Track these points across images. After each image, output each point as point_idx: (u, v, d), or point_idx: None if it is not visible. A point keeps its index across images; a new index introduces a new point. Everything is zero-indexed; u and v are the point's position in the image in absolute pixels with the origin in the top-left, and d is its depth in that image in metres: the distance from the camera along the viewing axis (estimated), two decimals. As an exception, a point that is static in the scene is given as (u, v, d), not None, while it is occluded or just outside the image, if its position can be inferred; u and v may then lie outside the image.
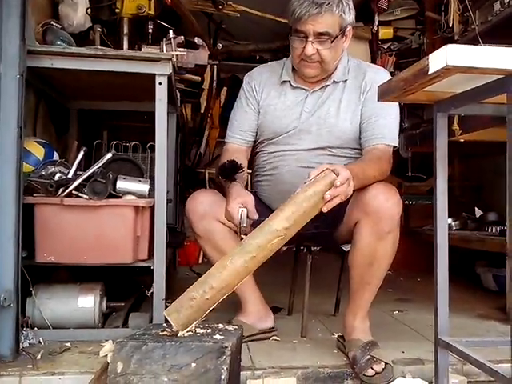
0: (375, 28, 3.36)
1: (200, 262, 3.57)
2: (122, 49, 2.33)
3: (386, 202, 1.47)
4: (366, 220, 1.49)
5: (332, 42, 1.59)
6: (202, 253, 3.54)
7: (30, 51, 1.60)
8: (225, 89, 4.39)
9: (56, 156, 1.98)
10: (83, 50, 1.68)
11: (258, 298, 1.78)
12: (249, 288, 1.74)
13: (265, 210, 1.76)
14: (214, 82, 4.36)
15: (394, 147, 1.69)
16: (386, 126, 1.66)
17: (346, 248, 1.70)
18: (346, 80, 1.72)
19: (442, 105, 1.32)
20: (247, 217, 1.42)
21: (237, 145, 1.79)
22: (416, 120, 3.14)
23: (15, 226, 1.49)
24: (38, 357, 1.50)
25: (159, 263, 1.69)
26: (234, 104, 1.84)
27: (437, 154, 1.33)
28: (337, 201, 1.31)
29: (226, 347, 1.13)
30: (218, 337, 1.19)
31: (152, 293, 1.70)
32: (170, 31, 2.07)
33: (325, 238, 1.75)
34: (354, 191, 1.40)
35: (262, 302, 1.80)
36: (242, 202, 1.42)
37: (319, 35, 1.58)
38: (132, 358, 1.11)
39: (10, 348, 1.48)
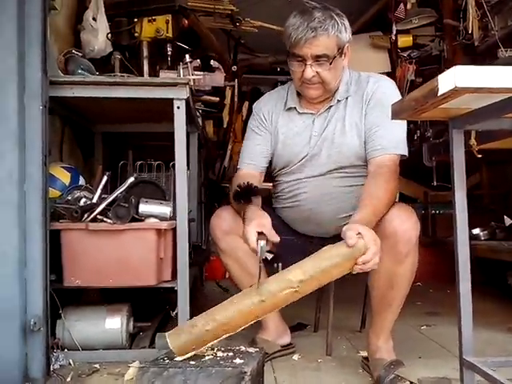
0: (393, 37, 3.33)
1: (227, 276, 3.60)
2: (143, 71, 2.40)
3: (401, 226, 1.45)
4: (383, 244, 1.46)
5: (331, 63, 1.58)
6: (228, 268, 3.57)
7: (51, 82, 1.66)
8: (246, 103, 4.44)
9: (82, 180, 2.04)
10: (102, 78, 1.74)
11: (277, 314, 1.79)
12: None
13: (287, 229, 1.78)
14: (236, 97, 4.41)
15: (401, 156, 1.62)
16: (387, 136, 1.60)
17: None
18: (348, 97, 1.69)
19: (457, 121, 1.30)
20: (267, 242, 1.37)
21: (249, 170, 1.76)
22: (439, 128, 3.10)
23: (42, 252, 1.54)
24: (68, 379, 1.54)
25: (182, 284, 1.72)
26: (245, 135, 1.83)
27: (454, 170, 1.32)
28: (365, 269, 1.27)
29: (246, 372, 1.13)
30: (238, 361, 1.20)
31: (177, 313, 1.72)
32: (187, 55, 2.12)
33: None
34: None
35: (280, 318, 1.82)
36: (258, 225, 1.39)
37: (317, 58, 1.57)
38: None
39: (41, 371, 1.52)
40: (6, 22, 1.49)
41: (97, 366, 1.65)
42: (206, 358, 1.24)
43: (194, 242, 2.47)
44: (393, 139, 1.60)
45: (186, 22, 2.55)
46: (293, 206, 1.76)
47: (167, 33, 2.43)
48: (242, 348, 1.33)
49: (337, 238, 1.70)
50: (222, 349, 1.31)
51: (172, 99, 1.73)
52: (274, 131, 1.76)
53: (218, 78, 1.96)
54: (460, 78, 0.96)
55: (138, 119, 2.38)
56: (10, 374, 1.47)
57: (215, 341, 1.21)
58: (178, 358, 1.19)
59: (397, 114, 1.32)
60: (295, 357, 1.76)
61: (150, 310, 2.10)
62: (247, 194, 1.50)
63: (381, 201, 1.45)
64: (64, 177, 1.97)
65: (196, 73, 1.96)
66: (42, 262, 1.54)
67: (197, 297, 2.80)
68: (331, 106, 1.69)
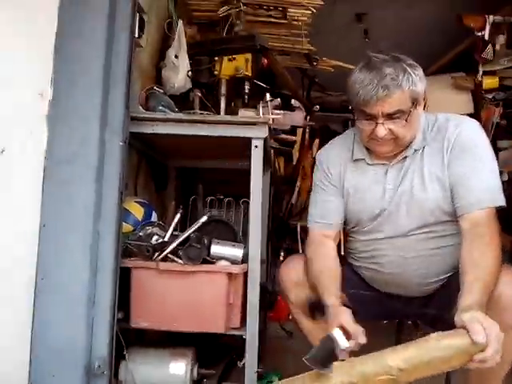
0: (479, 78, 3.16)
1: (291, 318, 3.45)
2: (219, 109, 2.40)
3: (509, 291, 1.28)
4: (486, 311, 1.26)
5: (406, 119, 1.40)
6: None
7: (132, 118, 1.66)
8: (317, 140, 4.37)
9: (154, 216, 2.02)
10: (183, 116, 1.72)
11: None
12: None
13: (364, 283, 1.64)
14: (307, 134, 4.36)
15: (499, 206, 1.40)
16: (480, 186, 1.40)
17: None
18: (424, 146, 1.49)
19: None
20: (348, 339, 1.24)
21: (324, 230, 1.59)
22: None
23: (112, 291, 1.50)
24: (129, 427, 1.46)
25: (252, 333, 1.62)
26: (312, 188, 1.67)
27: None
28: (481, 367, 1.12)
29: None
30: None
31: (244, 364, 1.62)
32: (267, 94, 2.07)
33: (432, 320, 1.57)
34: None
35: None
36: (338, 325, 1.27)
37: (390, 115, 1.40)
38: None
39: (101, 417, 1.45)
40: (94, 60, 1.51)
41: (159, 414, 1.57)
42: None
43: (261, 284, 2.37)
44: (488, 189, 1.40)
45: (266, 61, 2.53)
46: (371, 268, 1.59)
47: (246, 71, 2.42)
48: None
49: (424, 298, 1.55)
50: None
51: (250, 138, 1.68)
52: (341, 185, 1.58)
53: (298, 118, 1.90)
54: None
55: (213, 156, 2.36)
56: (72, 418, 1.41)
57: None
58: None
59: (505, 164, 1.18)
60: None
61: (214, 354, 2.00)
62: (318, 309, 1.37)
63: (490, 274, 1.25)
64: (138, 212, 1.95)
65: (276, 112, 1.91)
66: (110, 301, 1.50)
67: (260, 338, 2.68)
68: (406, 157, 1.50)
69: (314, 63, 3.45)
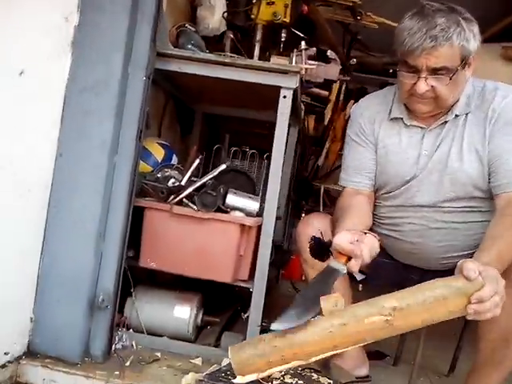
0: (535, 49, 2.95)
1: (304, 278, 3.44)
2: (253, 55, 2.30)
3: None
4: (507, 288, 1.22)
5: (451, 77, 1.29)
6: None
7: (159, 54, 1.59)
8: (352, 102, 4.22)
9: (175, 159, 1.98)
10: (211, 56, 1.64)
11: None
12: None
13: (383, 252, 1.57)
14: (342, 94, 4.21)
15: None
16: None
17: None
18: (468, 112, 1.39)
19: None
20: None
21: (358, 189, 1.51)
22: None
23: (123, 228, 1.49)
24: (127, 363, 1.48)
25: (259, 287, 1.60)
26: (345, 145, 1.58)
27: None
28: (481, 311, 1.02)
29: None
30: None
31: (247, 316, 1.60)
32: (302, 42, 1.96)
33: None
34: None
35: (361, 347, 1.61)
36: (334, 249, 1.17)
37: (434, 71, 1.29)
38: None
39: (101, 350, 1.47)
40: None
41: (158, 354, 1.58)
42: (274, 381, 1.10)
43: (277, 241, 2.34)
44: None
45: (306, 8, 2.40)
46: (392, 236, 1.52)
47: (284, 17, 2.29)
48: (314, 376, 1.19)
49: (441, 272, 1.49)
50: (292, 372, 1.17)
51: (280, 87, 1.59)
52: (375, 140, 1.50)
53: (333, 71, 1.78)
54: None
55: (241, 104, 2.28)
56: (72, 347, 1.43)
57: (282, 367, 1.03)
58: (237, 380, 1.04)
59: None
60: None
61: (221, 303, 2.00)
62: (322, 250, 1.29)
63: (508, 245, 1.18)
64: (158, 153, 1.92)
65: (310, 62, 1.80)
66: (121, 237, 1.49)
67: (270, 295, 2.68)
68: (446, 122, 1.40)
69: (358, 17, 3.27)
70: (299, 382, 1.13)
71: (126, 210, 1.49)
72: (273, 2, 2.34)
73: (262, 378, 1.08)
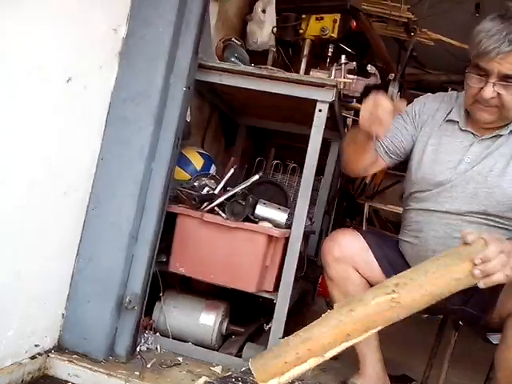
0: None
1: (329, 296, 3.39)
2: (300, 69, 2.32)
3: None
4: None
5: None
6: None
7: (202, 65, 1.64)
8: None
9: (213, 169, 2.02)
10: (250, 69, 1.67)
11: (379, 361, 1.57)
12: (370, 348, 1.55)
13: (405, 266, 1.54)
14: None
15: None
16: None
17: (494, 340, 1.38)
18: None
19: None
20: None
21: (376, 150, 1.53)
22: None
23: (154, 232, 1.53)
24: (149, 365, 1.52)
25: (283, 299, 1.59)
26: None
27: None
28: (497, 279, 1.00)
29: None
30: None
31: (270, 327, 1.60)
32: (343, 56, 1.95)
33: (472, 319, 1.46)
34: None
35: (382, 367, 1.58)
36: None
37: (505, 78, 1.27)
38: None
39: (125, 350, 1.52)
40: (166, 2, 1.49)
41: (180, 359, 1.61)
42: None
43: (310, 256, 2.32)
44: None
45: (355, 23, 2.39)
46: (414, 243, 1.49)
47: (332, 33, 2.31)
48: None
49: (465, 294, 1.43)
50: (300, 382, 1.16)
51: (316, 100, 1.60)
52: (420, 130, 1.50)
53: (372, 85, 1.77)
54: None
55: (284, 118, 2.30)
56: (97, 345, 1.49)
57: (301, 368, 1.01)
58: None
59: None
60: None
61: (249, 314, 2.01)
62: None
63: None
64: (197, 162, 1.96)
65: (349, 76, 1.79)
66: (152, 241, 1.53)
67: (303, 313, 2.66)
68: (500, 136, 1.39)
69: (412, 33, 3.22)
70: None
71: (159, 214, 1.54)
72: (322, 18, 2.36)
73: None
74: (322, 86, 1.59)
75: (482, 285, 0.99)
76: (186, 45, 1.52)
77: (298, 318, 2.32)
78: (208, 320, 1.70)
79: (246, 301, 1.98)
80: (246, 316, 1.97)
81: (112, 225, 1.49)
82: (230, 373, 1.22)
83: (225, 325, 1.74)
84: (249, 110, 2.34)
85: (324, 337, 1.00)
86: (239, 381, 1.13)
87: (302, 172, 2.54)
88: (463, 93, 1.44)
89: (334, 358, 1.97)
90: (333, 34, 2.30)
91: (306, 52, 2.38)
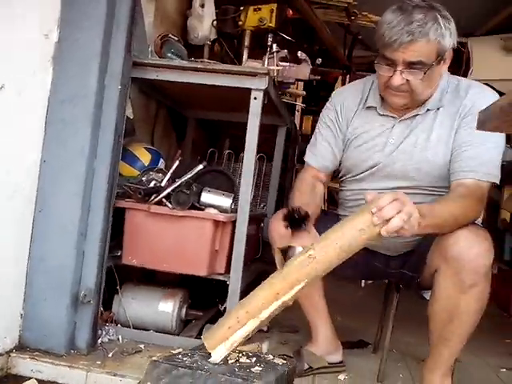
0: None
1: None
2: (242, 60, 2.38)
3: (468, 250, 1.26)
4: (445, 269, 1.30)
5: (425, 72, 1.36)
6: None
7: (136, 63, 1.70)
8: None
9: (162, 163, 2.08)
10: (184, 63, 1.73)
11: (329, 328, 1.68)
12: (320, 316, 1.66)
13: None
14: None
15: (492, 183, 1.39)
16: (477, 157, 1.36)
17: (427, 296, 1.50)
18: (440, 107, 1.46)
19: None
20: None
21: (317, 170, 1.63)
22: None
23: (103, 228, 1.59)
24: (110, 354, 1.58)
25: (235, 280, 1.67)
26: (317, 124, 1.68)
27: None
28: (395, 224, 1.06)
29: (255, 386, 1.05)
30: (255, 369, 1.12)
31: (225, 308, 1.69)
32: (273, 45, 2.04)
33: (408, 281, 1.57)
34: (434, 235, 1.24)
35: (333, 334, 1.69)
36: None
37: (410, 65, 1.36)
38: (161, 380, 1.09)
39: (86, 342, 1.57)
40: (98, 4, 1.53)
41: (142, 346, 1.68)
42: (229, 361, 1.18)
43: (266, 239, 2.40)
44: (485, 163, 1.37)
45: (291, 11, 2.47)
46: None
47: (270, 22, 2.38)
48: (270, 357, 1.25)
49: (402, 258, 1.55)
50: (250, 354, 1.24)
51: (250, 89, 1.67)
52: (347, 129, 1.59)
53: (304, 71, 1.85)
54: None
55: (228, 108, 2.36)
56: (58, 340, 1.54)
57: (242, 330, 1.11)
58: (212, 358, 1.13)
59: (482, 123, 1.12)
60: (341, 376, 1.63)
61: (212, 299, 2.08)
62: (298, 221, 1.35)
63: (443, 207, 1.27)
64: (145, 157, 2.02)
65: (281, 64, 1.87)
66: (101, 236, 1.59)
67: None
68: (418, 115, 1.48)
69: (352, 17, 3.33)
70: (253, 360, 1.18)
71: (106, 211, 1.59)
72: (259, 9, 2.42)
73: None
74: (254, 74, 1.66)
75: (384, 233, 1.06)
76: (117, 45, 1.57)
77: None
78: (166, 307, 1.77)
79: (208, 287, 2.06)
80: (208, 301, 2.04)
81: (60, 224, 1.54)
82: (178, 351, 1.30)
83: (183, 310, 1.81)
84: (194, 103, 2.40)
85: (258, 299, 1.11)
86: (187, 356, 1.19)
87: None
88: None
89: (294, 331, 2.08)
90: (271, 24, 2.36)
91: (246, 43, 2.44)
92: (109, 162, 1.59)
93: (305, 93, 2.69)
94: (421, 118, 1.48)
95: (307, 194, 1.52)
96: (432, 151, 1.45)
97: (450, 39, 1.36)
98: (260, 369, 1.14)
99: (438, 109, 1.47)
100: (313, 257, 1.08)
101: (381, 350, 1.88)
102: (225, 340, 1.13)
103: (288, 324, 2.11)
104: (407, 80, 1.38)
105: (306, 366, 1.61)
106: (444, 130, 1.44)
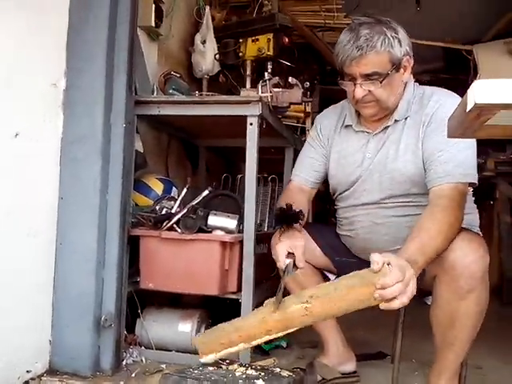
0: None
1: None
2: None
3: (464, 258, 1.29)
4: (443, 276, 1.34)
5: (382, 80, 1.43)
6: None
7: (140, 101, 1.85)
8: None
9: (174, 191, 2.20)
10: (183, 97, 1.88)
11: (339, 338, 1.73)
12: (329, 330, 1.71)
13: (348, 251, 1.71)
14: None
15: (470, 184, 1.42)
16: (452, 161, 1.39)
17: (428, 301, 1.53)
18: (407, 117, 1.52)
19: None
20: (294, 265, 1.32)
21: (301, 184, 1.69)
22: None
23: (119, 254, 1.71)
24: (133, 374, 1.68)
25: (246, 296, 1.76)
26: (305, 143, 1.77)
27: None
28: (385, 296, 1.08)
29: (261, 394, 1.13)
30: (259, 382, 1.20)
31: (239, 325, 1.76)
32: (265, 73, 2.16)
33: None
34: None
35: (344, 344, 1.73)
36: (290, 246, 1.34)
37: (367, 76, 1.44)
38: (171, 391, 1.19)
39: (109, 363, 1.68)
40: (96, 52, 1.69)
41: (163, 366, 1.77)
42: (237, 374, 1.26)
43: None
44: (460, 164, 1.39)
45: (287, 39, 2.60)
46: (349, 235, 1.66)
47: (268, 51, 2.51)
48: (277, 370, 1.32)
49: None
50: (258, 367, 1.32)
51: (246, 116, 1.79)
52: (328, 146, 1.67)
53: (296, 94, 1.96)
54: (479, 94, 0.84)
55: (234, 134, 2.45)
56: (84, 363, 1.65)
57: (233, 349, 1.19)
58: (201, 360, 1.23)
59: (451, 131, 1.19)
60: (353, 386, 1.67)
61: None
62: (289, 218, 1.41)
63: (431, 235, 1.26)
64: (157, 187, 2.15)
65: (275, 90, 1.99)
66: (118, 263, 1.71)
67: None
68: (388, 127, 1.54)
69: (354, 37, 3.42)
70: (256, 373, 1.26)
71: (121, 239, 1.72)
72: (257, 39, 2.57)
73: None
74: (248, 102, 1.78)
75: (382, 307, 1.10)
76: (119, 87, 1.72)
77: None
78: (185, 328, 1.86)
79: (228, 308, 2.14)
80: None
81: (79, 255, 1.67)
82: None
83: (202, 330, 1.89)
84: (203, 133, 2.53)
85: (251, 329, 1.18)
86: (197, 369, 1.28)
87: (266, 182, 2.76)
88: None
89: (313, 347, 2.13)
90: (269, 53, 2.50)
91: (248, 72, 2.58)
92: (120, 193, 1.72)
93: (303, 115, 2.78)
94: (391, 130, 1.54)
95: (293, 198, 1.56)
96: (401, 161, 1.50)
97: (399, 48, 1.45)
98: (263, 382, 1.21)
99: (406, 118, 1.53)
100: (309, 310, 1.12)
101: (402, 360, 1.91)
102: (216, 352, 1.22)
103: (307, 340, 2.16)
104: (369, 90, 1.46)
105: (320, 378, 1.66)
106: (411, 140, 1.50)
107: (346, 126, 1.64)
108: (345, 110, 1.67)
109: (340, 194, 1.66)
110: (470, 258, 1.30)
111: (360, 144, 1.60)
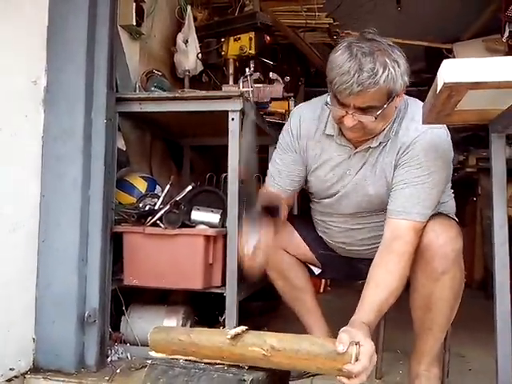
0: (504, 39, 3.03)
1: (321, 291, 3.53)
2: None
3: (436, 239, 1.32)
4: (417, 258, 1.35)
5: (377, 115, 1.33)
6: (323, 282, 3.52)
7: (122, 98, 1.85)
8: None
9: (158, 189, 2.20)
10: (163, 94, 1.88)
11: (324, 328, 1.74)
12: (313, 317, 1.72)
13: (322, 242, 1.73)
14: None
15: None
16: (412, 197, 1.35)
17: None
18: (389, 139, 1.44)
19: (496, 124, 1.17)
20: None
21: (279, 192, 1.59)
22: None
23: (101, 252, 1.71)
24: (118, 370, 1.67)
25: (231, 290, 1.76)
26: (277, 144, 1.62)
27: (493, 181, 1.18)
28: (357, 381, 1.04)
29: (245, 381, 1.13)
30: (244, 371, 1.19)
31: (224, 319, 1.77)
32: (246, 69, 2.17)
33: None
34: None
35: (328, 333, 1.74)
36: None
37: (361, 109, 1.32)
38: (159, 381, 1.18)
39: (94, 359, 1.67)
40: (77, 50, 1.70)
41: (149, 361, 1.75)
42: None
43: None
44: (420, 202, 1.36)
45: (269, 38, 2.62)
46: (325, 233, 1.69)
47: (250, 50, 2.53)
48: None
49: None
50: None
51: (227, 111, 1.80)
52: (305, 154, 1.56)
53: (277, 90, 1.97)
54: (447, 73, 0.87)
55: (217, 133, 2.46)
56: (68, 359, 1.65)
57: (183, 357, 1.20)
58: (151, 353, 1.24)
59: (425, 117, 1.22)
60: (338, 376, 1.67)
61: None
62: (272, 209, 1.40)
63: (390, 294, 1.26)
64: (141, 185, 2.15)
65: (256, 85, 2.01)
66: (101, 260, 1.71)
67: (279, 308, 2.81)
68: (370, 148, 1.46)
69: (335, 37, 3.47)
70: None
71: (103, 236, 1.72)
72: (239, 38, 2.59)
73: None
74: (229, 97, 1.79)
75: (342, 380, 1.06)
76: (99, 84, 1.72)
77: (271, 314, 2.50)
78: (170, 324, 1.86)
79: (215, 303, 2.15)
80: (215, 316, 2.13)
81: (61, 252, 1.67)
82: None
83: (188, 325, 1.90)
84: (187, 132, 2.54)
85: (206, 350, 1.17)
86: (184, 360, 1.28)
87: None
88: None
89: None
90: (250, 51, 2.52)
91: (231, 70, 2.59)
92: (102, 189, 1.72)
93: (284, 110, 2.79)
94: (374, 151, 1.47)
95: (271, 199, 1.52)
96: (377, 185, 1.47)
97: (401, 81, 1.32)
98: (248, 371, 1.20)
99: (388, 141, 1.45)
100: (267, 358, 1.11)
101: (386, 351, 1.93)
102: (168, 354, 1.22)
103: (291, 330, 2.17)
104: (359, 121, 1.35)
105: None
106: (386, 166, 1.45)
107: (328, 135, 1.52)
108: (325, 115, 1.52)
109: (316, 200, 1.65)
110: (442, 239, 1.32)
111: (341, 158, 1.51)
